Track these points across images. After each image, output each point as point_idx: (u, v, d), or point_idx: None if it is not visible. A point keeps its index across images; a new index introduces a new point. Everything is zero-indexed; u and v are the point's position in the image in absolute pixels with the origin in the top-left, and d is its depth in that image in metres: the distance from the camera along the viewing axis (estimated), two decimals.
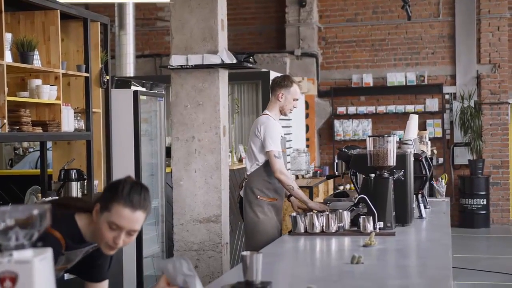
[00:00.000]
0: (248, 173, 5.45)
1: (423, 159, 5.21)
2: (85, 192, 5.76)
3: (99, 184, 6.03)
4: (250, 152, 5.44)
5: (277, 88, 5.43)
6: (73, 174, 5.57)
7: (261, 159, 5.32)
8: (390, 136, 4.54)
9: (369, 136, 4.58)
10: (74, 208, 2.80)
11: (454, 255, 9.13)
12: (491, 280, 8.43)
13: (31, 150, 8.13)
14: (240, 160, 8.10)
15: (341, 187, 12.39)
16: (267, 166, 5.30)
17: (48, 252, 1.84)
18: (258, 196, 5.34)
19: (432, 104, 12.90)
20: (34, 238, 1.83)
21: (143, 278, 6.50)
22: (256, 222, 5.33)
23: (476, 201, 12.49)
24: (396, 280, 3.11)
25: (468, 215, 12.54)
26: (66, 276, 4.82)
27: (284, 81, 5.44)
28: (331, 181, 11.63)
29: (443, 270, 3.17)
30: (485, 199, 12.51)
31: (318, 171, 11.54)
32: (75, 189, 5.56)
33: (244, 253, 2.80)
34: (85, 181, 5.73)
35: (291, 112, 5.58)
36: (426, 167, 5.20)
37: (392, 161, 4.50)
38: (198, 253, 5.83)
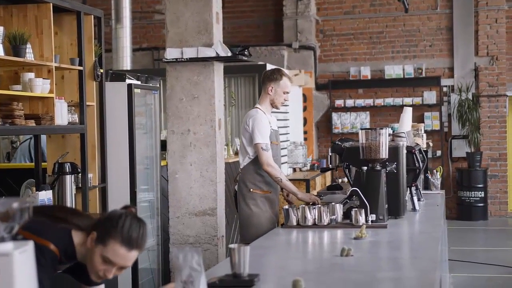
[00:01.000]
0: (240, 167, 5.48)
1: (417, 152, 5.21)
2: (79, 185, 5.76)
3: (93, 178, 6.03)
4: (242, 146, 5.48)
5: (267, 82, 5.47)
6: (67, 167, 5.56)
7: (252, 152, 5.35)
8: (382, 129, 4.54)
9: (361, 129, 4.58)
10: (71, 224, 2.78)
11: (451, 248, 9.17)
12: (488, 272, 8.44)
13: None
14: (236, 153, 8.11)
15: (339, 180, 12.40)
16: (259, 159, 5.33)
17: (29, 245, 1.84)
18: (251, 189, 5.37)
19: (430, 96, 12.89)
20: (14, 231, 1.84)
21: (138, 271, 6.51)
22: (250, 215, 5.35)
23: (474, 193, 12.50)
24: (383, 273, 3.12)
25: (466, 207, 12.55)
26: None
27: (274, 75, 5.46)
28: (328, 174, 11.64)
29: (430, 262, 3.17)
30: (483, 192, 12.52)
31: (316, 164, 11.54)
32: (69, 183, 5.56)
33: (232, 246, 2.81)
34: (79, 174, 5.73)
35: (283, 105, 5.59)
36: (420, 160, 5.20)
37: (384, 153, 4.50)
38: (194, 246, 5.84)
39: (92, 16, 6.06)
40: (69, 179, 5.57)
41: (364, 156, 4.53)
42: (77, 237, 2.75)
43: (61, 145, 5.90)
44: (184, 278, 2.73)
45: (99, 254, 2.66)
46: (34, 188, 5.64)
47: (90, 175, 5.92)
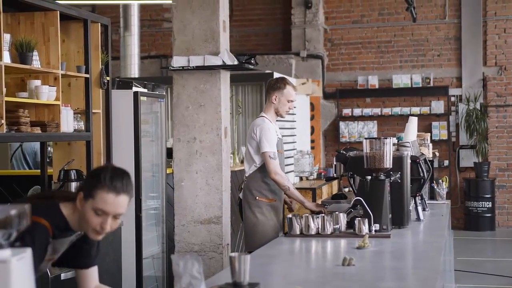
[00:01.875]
0: (246, 175, 5.50)
1: (421, 162, 5.20)
2: None
3: None
4: (248, 154, 5.50)
5: (271, 91, 5.51)
6: (73, 174, 5.58)
7: (258, 160, 5.37)
8: (386, 138, 4.54)
9: (366, 138, 4.58)
10: (59, 198, 2.87)
11: (458, 258, 9.13)
12: (496, 283, 8.40)
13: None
14: (243, 162, 8.10)
15: (346, 189, 12.38)
16: (265, 168, 5.35)
17: (27, 252, 1.85)
18: (257, 197, 5.39)
19: (438, 106, 12.87)
20: (12, 238, 1.84)
21: (143, 279, 6.52)
22: (255, 223, 5.37)
23: (482, 203, 12.45)
24: (384, 282, 3.11)
25: (473, 218, 12.50)
26: (63, 276, 4.87)
27: (278, 83, 5.50)
28: (335, 183, 11.62)
29: (431, 272, 3.16)
30: (490, 202, 12.47)
31: (323, 173, 11.53)
32: (74, 190, 5.58)
33: (232, 254, 2.81)
34: None
35: (288, 113, 5.61)
36: (424, 170, 5.19)
37: (388, 163, 4.50)
38: (199, 254, 5.84)
39: (99, 24, 6.09)
40: (74, 186, 5.58)
41: (368, 166, 4.52)
42: (66, 208, 2.83)
43: (67, 152, 5.92)
44: (184, 286, 2.74)
45: (91, 208, 2.73)
46: None
47: None
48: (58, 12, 5.37)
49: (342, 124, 13.19)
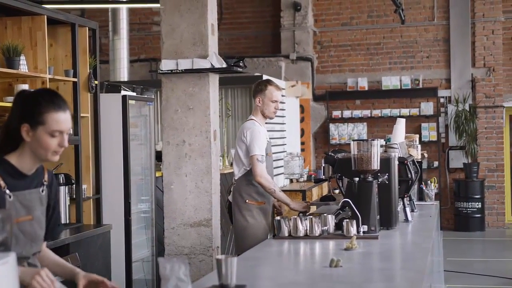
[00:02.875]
0: (235, 178, 5.51)
1: (409, 163, 5.22)
2: (74, 196, 5.77)
3: (87, 189, 6.05)
4: (237, 157, 5.52)
5: (254, 94, 5.60)
6: (61, 178, 5.58)
7: (248, 163, 5.39)
8: (374, 140, 4.56)
9: (353, 140, 4.60)
10: (0, 156, 2.84)
11: (448, 259, 9.16)
12: (485, 283, 8.43)
13: None
14: (232, 164, 8.12)
15: (337, 191, 12.39)
16: None
17: (11, 257, 1.85)
18: (247, 200, 5.41)
19: (427, 107, 12.91)
20: None
21: (132, 283, 6.51)
22: (246, 226, 5.39)
23: (471, 204, 12.49)
24: (371, 284, 3.13)
25: (463, 218, 12.55)
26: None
27: (259, 86, 5.57)
28: (325, 185, 11.65)
29: (418, 273, 3.18)
30: (480, 203, 12.52)
31: (313, 175, 11.54)
32: (63, 194, 5.57)
33: (219, 257, 2.82)
34: (73, 185, 5.75)
35: (275, 114, 5.62)
36: (412, 171, 5.21)
37: (376, 165, 4.51)
38: (189, 257, 5.84)
39: (87, 28, 6.09)
40: (63, 190, 5.58)
41: (356, 167, 4.54)
42: (11, 158, 2.81)
43: None
44: None
45: (45, 133, 2.76)
46: None
47: (84, 186, 5.94)
48: (45, 16, 5.37)
49: (332, 126, 13.22)
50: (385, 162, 4.66)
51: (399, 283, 3.07)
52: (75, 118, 5.80)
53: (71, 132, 5.75)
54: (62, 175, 5.61)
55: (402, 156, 5.24)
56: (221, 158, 8.34)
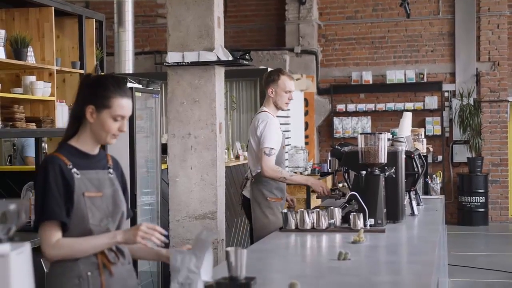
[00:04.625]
0: (253, 174, 5.40)
1: (416, 157, 5.22)
2: None
3: None
4: (252, 150, 5.39)
5: (266, 84, 5.46)
6: None
7: None
8: (381, 133, 4.55)
9: (361, 134, 4.59)
10: (63, 140, 2.96)
11: (451, 253, 9.17)
12: (488, 277, 8.45)
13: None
14: (237, 157, 8.13)
15: (340, 185, 12.40)
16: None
17: (26, 247, 1.86)
18: (268, 198, 5.31)
19: (432, 101, 12.90)
20: (11, 233, 1.85)
21: (138, 274, 6.52)
22: (267, 224, 5.27)
23: (475, 198, 12.50)
24: (379, 277, 3.13)
25: (466, 212, 12.55)
26: None
27: (271, 76, 5.44)
28: (329, 178, 11.65)
29: (426, 267, 3.18)
30: (483, 197, 12.52)
31: (317, 169, 11.54)
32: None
33: (228, 249, 2.82)
34: None
35: (287, 105, 5.49)
36: (419, 165, 5.21)
37: (383, 158, 4.51)
38: None
39: (94, 20, 6.08)
40: None
41: (363, 161, 4.53)
42: (73, 142, 2.93)
43: None
44: (181, 280, 2.76)
45: (108, 117, 2.87)
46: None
47: None
48: (53, 8, 5.37)
49: (336, 120, 13.21)
50: (392, 155, 4.66)
51: (408, 277, 3.07)
52: None
53: None
54: None
55: (408, 150, 5.24)
56: (226, 151, 8.35)
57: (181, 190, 5.82)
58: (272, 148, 5.22)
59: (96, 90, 2.89)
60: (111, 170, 3.02)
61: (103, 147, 3.23)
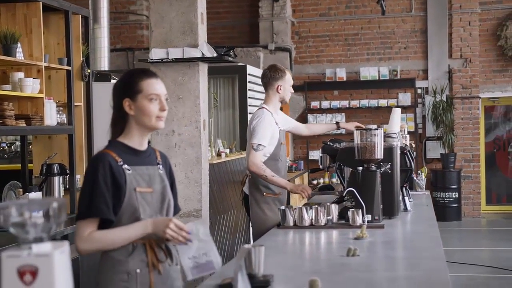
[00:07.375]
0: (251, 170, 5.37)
1: (407, 152, 5.25)
2: (67, 186, 5.69)
3: (81, 179, 5.96)
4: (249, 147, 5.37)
5: (273, 82, 5.44)
6: (56, 168, 5.49)
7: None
8: (377, 129, 4.56)
9: (357, 129, 4.59)
10: (112, 139, 3.00)
11: None
12: (463, 272, 8.53)
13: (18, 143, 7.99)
14: (219, 155, 8.08)
15: (321, 181, 12.44)
16: (270, 161, 5.27)
17: (66, 246, 1.81)
18: (264, 193, 5.29)
19: (405, 98, 12.99)
20: (52, 231, 1.81)
21: None
22: (264, 220, 5.26)
23: (448, 194, 12.62)
24: (394, 272, 3.13)
25: (440, 208, 12.65)
26: None
27: (279, 73, 5.46)
28: (305, 175, 11.68)
29: (439, 262, 3.19)
30: (456, 193, 12.65)
31: (293, 166, 11.57)
32: (57, 184, 5.48)
33: (247, 246, 2.79)
34: (67, 175, 5.66)
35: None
36: (411, 160, 5.24)
37: (379, 154, 4.52)
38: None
39: (80, 15, 5.99)
40: (57, 181, 5.50)
41: (359, 157, 4.53)
42: (121, 138, 2.96)
43: (47, 146, 5.82)
44: (193, 254, 2.74)
45: (144, 100, 2.91)
46: (19, 190, 5.54)
47: (78, 176, 5.86)
48: (41, 3, 5.26)
49: (310, 117, 13.23)
50: (388, 151, 4.67)
51: (424, 272, 3.06)
52: (69, 107, 5.71)
53: (65, 121, 5.66)
54: (56, 165, 5.53)
55: (402, 146, 5.26)
56: (208, 148, 8.30)
57: None
58: (260, 144, 5.22)
59: (124, 84, 2.96)
60: (160, 166, 3.03)
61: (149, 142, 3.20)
